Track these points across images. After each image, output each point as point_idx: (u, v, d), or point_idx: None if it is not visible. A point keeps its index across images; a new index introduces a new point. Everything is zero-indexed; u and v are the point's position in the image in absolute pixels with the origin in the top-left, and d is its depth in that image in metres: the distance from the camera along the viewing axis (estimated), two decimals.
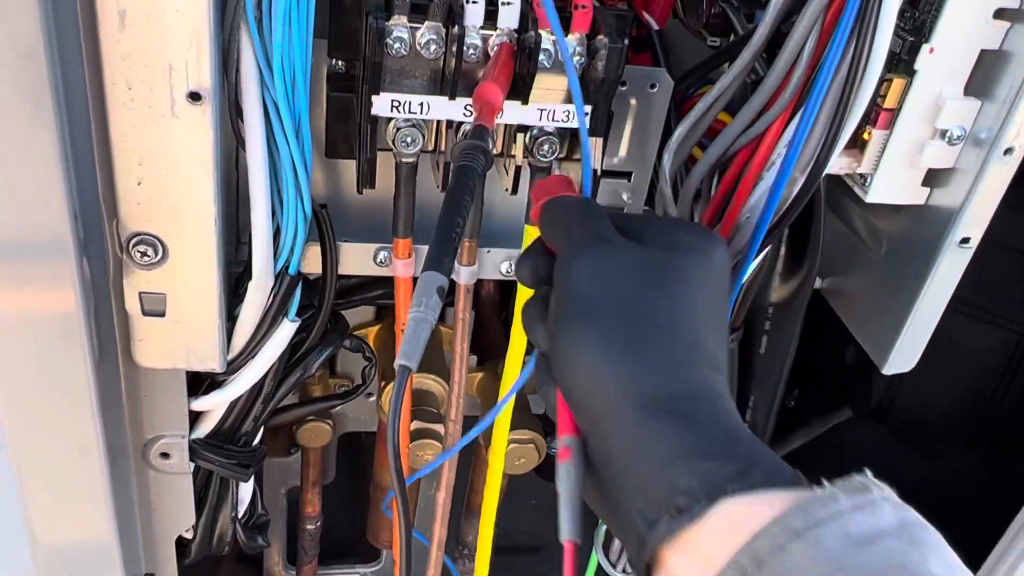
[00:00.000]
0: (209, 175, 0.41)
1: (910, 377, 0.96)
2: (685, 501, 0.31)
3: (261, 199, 0.44)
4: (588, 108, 0.48)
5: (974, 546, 0.76)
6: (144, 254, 0.43)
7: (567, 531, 0.34)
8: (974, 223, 0.50)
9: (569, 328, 0.35)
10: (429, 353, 0.75)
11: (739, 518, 0.30)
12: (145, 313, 0.45)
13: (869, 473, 0.30)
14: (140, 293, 0.44)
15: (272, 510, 0.92)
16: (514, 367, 0.58)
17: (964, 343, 0.94)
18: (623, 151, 0.56)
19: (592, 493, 0.36)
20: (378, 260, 0.54)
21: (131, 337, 0.46)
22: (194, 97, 0.39)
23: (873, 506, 0.29)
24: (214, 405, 0.52)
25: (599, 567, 0.72)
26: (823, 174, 0.45)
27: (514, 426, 0.74)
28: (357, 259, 0.53)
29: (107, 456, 0.47)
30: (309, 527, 0.86)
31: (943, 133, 0.48)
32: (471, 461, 0.79)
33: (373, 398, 0.77)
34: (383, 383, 0.70)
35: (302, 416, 0.72)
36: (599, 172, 0.53)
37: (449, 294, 0.59)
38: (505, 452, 0.74)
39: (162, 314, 0.45)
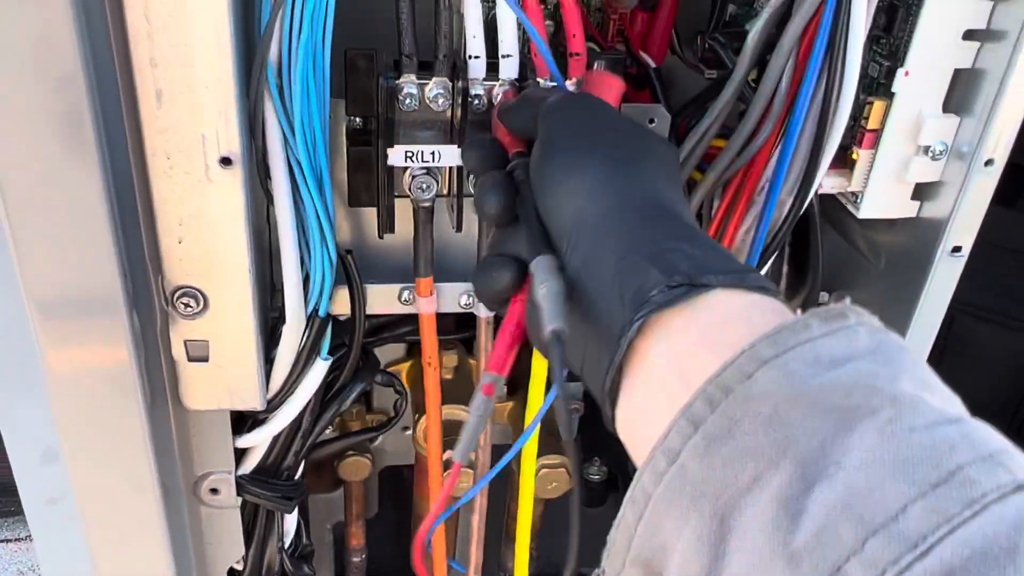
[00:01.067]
0: (242, 231, 0.45)
1: None
2: (679, 279, 0.31)
3: (290, 249, 0.48)
4: None
5: None
6: (187, 305, 0.47)
7: (461, 454, 0.37)
8: (964, 232, 0.52)
9: (567, 145, 0.38)
10: (462, 386, 0.78)
11: (728, 316, 0.30)
12: (190, 359, 0.49)
13: (848, 300, 0.30)
14: (185, 341, 0.48)
15: (319, 544, 0.95)
16: (537, 394, 0.61)
17: (992, 349, 0.95)
18: None
19: (577, 326, 0.34)
20: (403, 299, 0.57)
21: (179, 382, 0.50)
22: (225, 162, 0.43)
23: (847, 331, 0.28)
24: (257, 442, 0.56)
25: None
26: (810, 195, 0.48)
27: (544, 451, 0.77)
28: (383, 299, 0.57)
29: (162, 494, 0.50)
30: (355, 559, 0.89)
31: (926, 149, 0.50)
32: (507, 489, 0.81)
33: (409, 432, 0.80)
34: (416, 416, 0.73)
35: (341, 450, 0.76)
36: None
37: (470, 326, 0.63)
38: (536, 477, 0.77)
39: (206, 359, 0.49)
